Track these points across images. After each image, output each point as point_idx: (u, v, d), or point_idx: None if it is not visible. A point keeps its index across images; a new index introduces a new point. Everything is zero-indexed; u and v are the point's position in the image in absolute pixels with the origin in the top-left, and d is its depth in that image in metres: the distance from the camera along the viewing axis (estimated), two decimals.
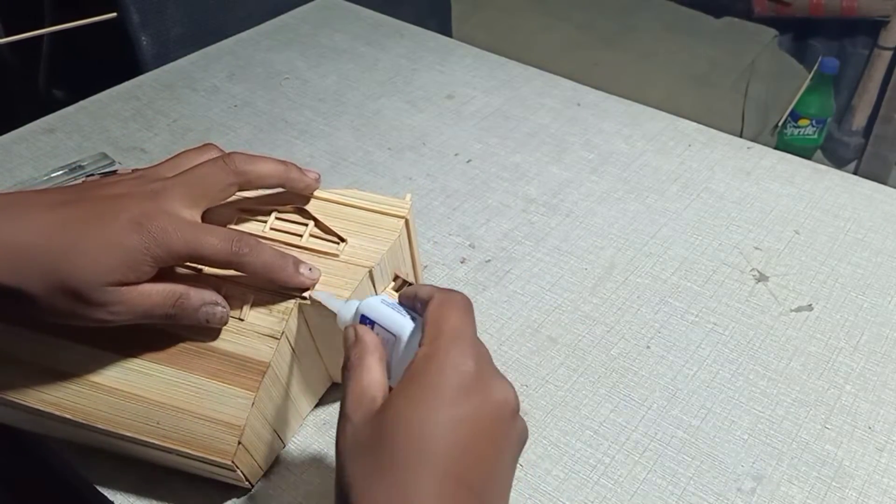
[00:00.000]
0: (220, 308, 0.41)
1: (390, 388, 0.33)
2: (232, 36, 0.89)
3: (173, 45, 0.90)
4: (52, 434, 0.46)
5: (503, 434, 0.32)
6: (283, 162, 0.44)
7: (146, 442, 0.40)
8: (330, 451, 0.46)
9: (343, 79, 0.81)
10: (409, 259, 0.49)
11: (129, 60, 0.88)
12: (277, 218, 0.46)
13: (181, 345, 0.42)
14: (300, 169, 0.44)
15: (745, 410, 0.48)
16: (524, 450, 0.33)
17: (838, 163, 1.61)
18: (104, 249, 0.36)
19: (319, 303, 0.40)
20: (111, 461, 0.45)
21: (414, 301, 0.36)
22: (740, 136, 0.72)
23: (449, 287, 0.36)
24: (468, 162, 0.69)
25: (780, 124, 1.58)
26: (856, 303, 0.56)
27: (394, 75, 0.82)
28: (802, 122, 1.56)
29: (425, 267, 0.58)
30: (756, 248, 0.60)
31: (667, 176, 0.68)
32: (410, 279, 0.48)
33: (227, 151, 0.43)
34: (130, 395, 0.41)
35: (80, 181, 0.65)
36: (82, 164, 0.68)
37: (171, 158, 0.43)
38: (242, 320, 0.42)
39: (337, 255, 0.44)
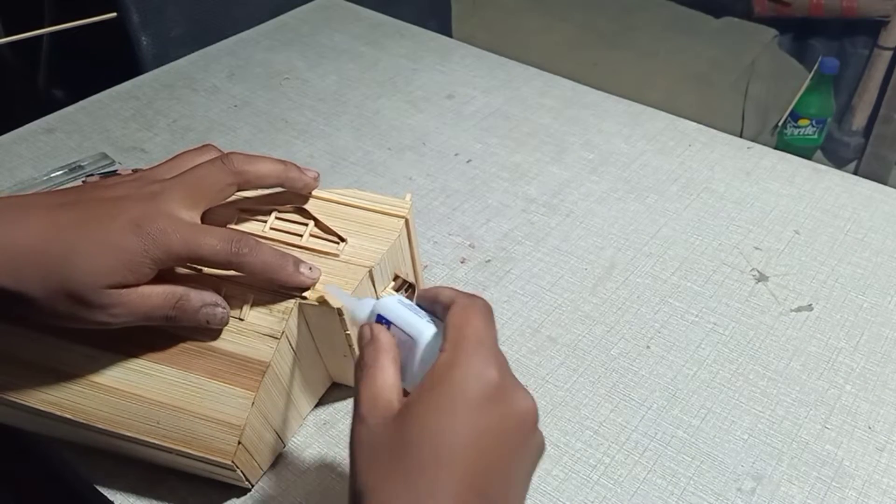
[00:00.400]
0: (220, 309, 0.41)
1: (404, 391, 0.33)
2: (232, 36, 0.89)
3: (173, 45, 0.90)
4: (52, 434, 0.46)
5: (523, 446, 0.31)
6: (282, 161, 0.44)
7: (146, 442, 0.40)
8: (330, 451, 0.46)
9: (343, 79, 0.81)
10: (409, 259, 0.49)
11: (129, 60, 0.88)
12: (277, 218, 0.46)
13: (181, 344, 0.42)
14: (299, 168, 0.44)
15: (745, 410, 0.48)
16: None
17: (838, 163, 1.61)
18: (103, 251, 0.36)
19: (326, 298, 0.40)
20: (111, 461, 0.45)
21: (433, 304, 0.36)
22: (740, 136, 0.72)
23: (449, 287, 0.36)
24: (468, 162, 0.69)
25: (780, 124, 1.58)
26: (856, 303, 0.56)
27: (394, 75, 0.82)
28: (802, 122, 1.56)
29: (425, 267, 0.58)
30: (756, 248, 0.60)
31: (667, 176, 0.68)
32: (410, 279, 0.48)
33: (226, 152, 0.43)
34: (130, 394, 0.41)
35: (79, 183, 0.66)
36: (82, 164, 0.68)
37: (171, 159, 0.43)
38: (242, 320, 0.42)
39: (337, 255, 0.44)
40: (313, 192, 0.48)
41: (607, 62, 1.50)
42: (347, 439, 0.47)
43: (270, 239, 0.44)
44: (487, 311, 0.34)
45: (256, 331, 0.42)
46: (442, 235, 0.61)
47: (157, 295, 0.38)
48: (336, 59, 0.85)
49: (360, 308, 0.37)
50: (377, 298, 0.37)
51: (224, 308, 0.41)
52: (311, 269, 0.42)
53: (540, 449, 0.32)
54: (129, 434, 0.40)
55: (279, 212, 0.46)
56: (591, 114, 0.76)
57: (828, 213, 0.63)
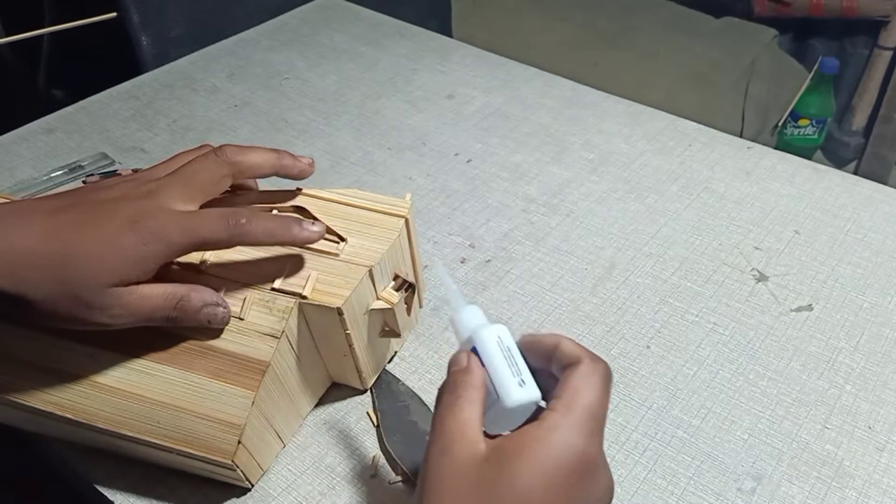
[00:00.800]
0: (221, 308, 0.41)
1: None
2: (232, 36, 0.89)
3: (173, 45, 0.90)
4: (52, 434, 0.46)
5: None
6: (275, 150, 0.44)
7: (147, 441, 0.40)
8: (330, 451, 0.46)
9: (343, 79, 0.81)
10: (409, 258, 0.49)
11: (129, 60, 0.88)
12: None
13: (181, 344, 0.42)
14: (293, 155, 0.44)
15: (745, 410, 0.48)
16: None
17: (838, 163, 1.61)
18: (103, 250, 0.36)
19: (438, 275, 0.38)
20: (111, 461, 0.45)
21: (549, 356, 0.34)
22: (740, 136, 0.72)
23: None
24: (468, 162, 0.69)
25: (780, 124, 1.58)
26: (856, 303, 0.55)
27: (394, 75, 0.82)
28: (802, 122, 1.56)
29: (425, 267, 0.58)
30: (756, 248, 0.60)
31: (667, 176, 0.68)
32: (410, 278, 0.48)
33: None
34: (131, 394, 0.41)
35: (79, 183, 0.66)
36: (82, 164, 0.68)
37: (168, 160, 0.43)
38: (243, 319, 0.42)
39: (337, 255, 0.44)
40: (314, 192, 0.48)
41: (607, 62, 1.50)
42: (348, 439, 0.47)
43: None
44: (608, 379, 0.33)
45: (257, 330, 0.42)
46: (442, 235, 0.61)
47: (158, 296, 0.38)
48: (336, 59, 0.85)
49: (464, 314, 0.36)
50: (469, 309, 0.36)
51: (225, 307, 0.41)
52: (314, 223, 0.41)
53: None
54: (129, 434, 0.40)
55: (279, 211, 0.46)
56: (591, 114, 0.76)
57: (828, 213, 0.63)
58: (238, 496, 0.44)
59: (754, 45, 1.53)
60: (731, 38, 1.56)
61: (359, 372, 0.47)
